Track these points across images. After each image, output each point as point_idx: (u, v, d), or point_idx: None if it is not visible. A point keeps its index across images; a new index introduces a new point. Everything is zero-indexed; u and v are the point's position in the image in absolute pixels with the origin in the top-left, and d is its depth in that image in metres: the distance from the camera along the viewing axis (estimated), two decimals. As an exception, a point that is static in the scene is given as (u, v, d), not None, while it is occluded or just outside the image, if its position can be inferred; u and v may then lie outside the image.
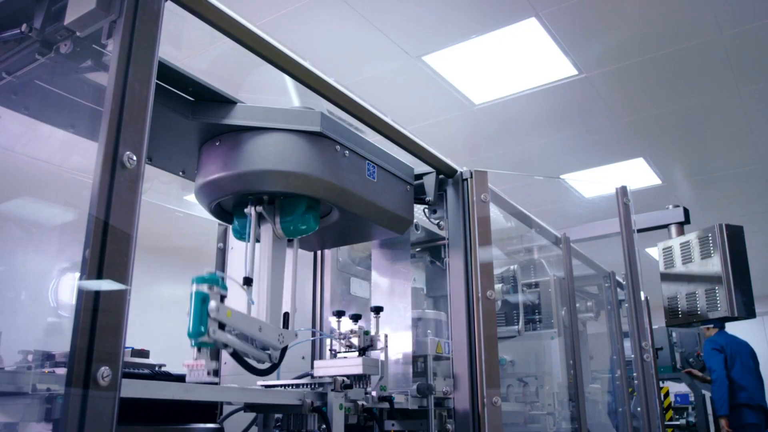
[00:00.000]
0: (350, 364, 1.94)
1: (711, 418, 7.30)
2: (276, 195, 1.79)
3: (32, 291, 1.93)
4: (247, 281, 1.67)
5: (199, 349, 1.40)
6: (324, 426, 1.72)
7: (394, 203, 2.02)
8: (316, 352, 2.45)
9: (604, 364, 4.30)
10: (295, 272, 1.87)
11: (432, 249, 2.83)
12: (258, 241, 1.82)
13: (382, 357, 2.02)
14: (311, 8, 4.08)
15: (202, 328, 1.36)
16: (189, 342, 1.42)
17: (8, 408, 1.19)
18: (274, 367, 1.69)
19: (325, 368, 1.98)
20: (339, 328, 2.10)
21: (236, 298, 1.75)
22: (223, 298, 1.42)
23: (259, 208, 1.76)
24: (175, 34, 1.43)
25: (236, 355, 1.52)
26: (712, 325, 6.77)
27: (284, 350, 1.74)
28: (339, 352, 2.06)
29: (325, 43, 4.48)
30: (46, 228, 2.18)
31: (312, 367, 2.17)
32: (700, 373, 6.97)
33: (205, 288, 1.38)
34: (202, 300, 1.38)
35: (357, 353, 2.02)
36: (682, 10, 4.14)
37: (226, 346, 1.46)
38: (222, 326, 1.42)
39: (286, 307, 1.80)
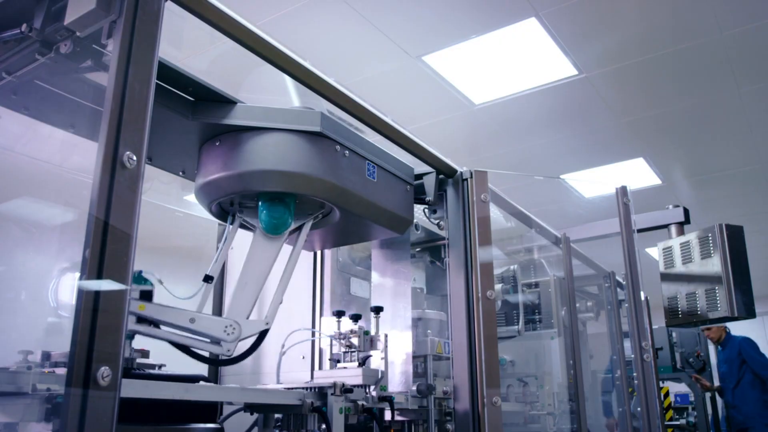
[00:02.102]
0: (350, 374, 1.94)
1: (711, 418, 7.30)
2: (257, 195, 1.79)
3: (32, 291, 1.93)
4: (206, 278, 1.72)
5: None
6: (324, 426, 1.72)
7: (394, 203, 2.02)
8: (316, 353, 2.45)
9: (604, 364, 4.30)
10: (293, 267, 1.85)
11: (432, 249, 2.83)
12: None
13: (382, 357, 2.03)
14: (311, 8, 4.08)
15: None
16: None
17: (8, 408, 1.19)
18: (230, 360, 1.66)
19: (324, 379, 1.98)
20: (339, 328, 2.10)
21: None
22: (145, 293, 1.53)
23: (241, 216, 1.80)
24: (175, 34, 1.43)
25: (177, 345, 1.60)
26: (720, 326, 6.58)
27: (258, 342, 1.73)
28: (339, 361, 2.06)
29: (325, 43, 4.48)
30: (46, 228, 2.18)
31: (312, 377, 2.17)
32: (708, 383, 6.93)
33: None
34: None
35: (356, 355, 2.02)
36: (682, 10, 4.14)
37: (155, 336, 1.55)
38: (144, 320, 1.52)
39: (266, 302, 1.79)
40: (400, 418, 2.16)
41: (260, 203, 1.78)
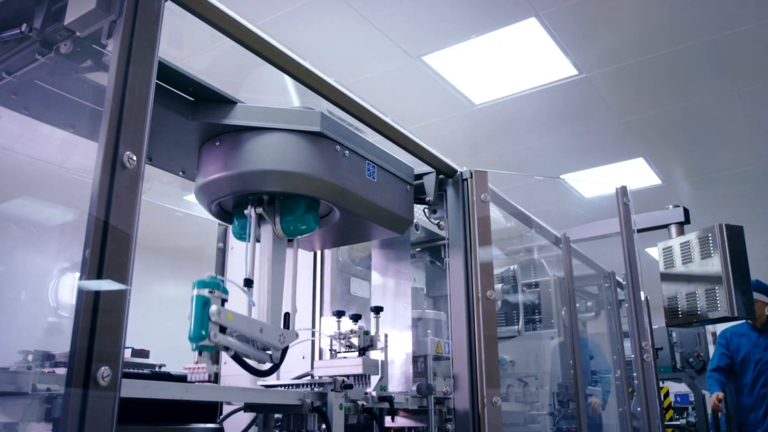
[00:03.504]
0: (350, 364, 1.94)
1: (711, 418, 7.30)
2: (276, 195, 1.79)
3: (32, 291, 1.93)
4: (248, 282, 1.68)
5: (200, 353, 1.42)
6: (324, 426, 1.72)
7: (394, 203, 2.02)
8: (316, 352, 2.45)
9: (604, 364, 4.30)
10: (296, 272, 1.87)
11: (432, 249, 2.83)
12: (258, 241, 1.82)
13: (381, 357, 2.03)
14: (311, 8, 4.08)
15: (203, 332, 1.39)
16: (189, 342, 1.45)
17: (8, 408, 1.19)
18: (275, 367, 1.69)
19: (325, 368, 1.98)
20: (339, 328, 2.10)
21: (236, 299, 1.75)
22: (224, 301, 1.45)
23: (259, 209, 1.76)
24: (175, 34, 1.43)
25: (237, 358, 1.54)
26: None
27: (285, 350, 1.74)
28: (339, 352, 2.06)
29: (325, 43, 4.48)
30: (46, 228, 2.18)
31: (312, 367, 2.17)
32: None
33: (206, 292, 1.42)
34: (203, 304, 1.41)
35: (357, 353, 2.02)
36: (682, 10, 4.14)
37: (227, 348, 1.48)
38: (223, 329, 1.44)
39: (286, 307, 1.80)
40: (400, 419, 2.16)
41: (298, 209, 1.77)
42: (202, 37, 3.84)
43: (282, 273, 1.80)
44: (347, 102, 1.84)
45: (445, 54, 4.64)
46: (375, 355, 2.03)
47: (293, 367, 2.29)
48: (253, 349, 1.60)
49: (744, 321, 5.20)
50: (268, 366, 1.68)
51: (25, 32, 1.35)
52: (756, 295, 5.06)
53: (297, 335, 1.76)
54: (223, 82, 1.71)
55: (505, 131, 5.88)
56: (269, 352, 1.67)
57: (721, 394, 5.29)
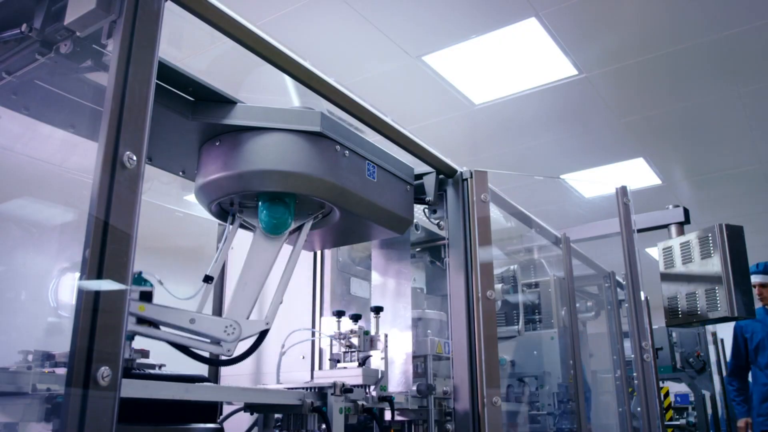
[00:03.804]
0: (350, 374, 1.94)
1: (711, 418, 7.31)
2: (257, 195, 1.79)
3: (32, 291, 1.92)
4: (206, 279, 1.69)
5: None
6: (324, 426, 1.72)
7: (394, 203, 2.02)
8: (316, 353, 2.45)
9: (604, 364, 4.30)
10: (292, 267, 1.84)
11: (432, 249, 2.83)
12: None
13: (382, 357, 2.03)
14: (311, 8, 4.08)
15: None
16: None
17: (8, 408, 1.19)
18: (230, 360, 1.65)
19: (324, 379, 1.98)
20: (339, 328, 2.10)
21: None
22: (145, 294, 1.51)
23: (240, 214, 1.79)
24: (175, 34, 1.43)
25: (176, 346, 1.58)
26: None
27: (261, 338, 1.71)
28: (339, 361, 2.06)
29: (325, 43, 4.48)
30: (46, 228, 2.18)
31: (312, 378, 2.17)
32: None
33: None
34: None
35: (356, 355, 2.02)
36: (682, 9, 4.14)
37: (139, 334, 1.52)
38: (143, 321, 1.50)
39: (264, 301, 1.78)
40: (400, 418, 2.17)
41: (260, 203, 1.78)
42: (202, 37, 3.84)
43: (258, 267, 1.76)
44: (347, 102, 1.84)
45: (445, 54, 4.64)
46: (375, 354, 2.03)
47: (293, 367, 2.30)
48: (193, 341, 1.59)
49: (761, 306, 5.08)
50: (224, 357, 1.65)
51: (25, 32, 1.35)
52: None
53: (266, 324, 1.71)
54: (223, 82, 1.71)
55: (505, 131, 5.88)
56: (221, 344, 1.63)
57: (750, 422, 5.03)
